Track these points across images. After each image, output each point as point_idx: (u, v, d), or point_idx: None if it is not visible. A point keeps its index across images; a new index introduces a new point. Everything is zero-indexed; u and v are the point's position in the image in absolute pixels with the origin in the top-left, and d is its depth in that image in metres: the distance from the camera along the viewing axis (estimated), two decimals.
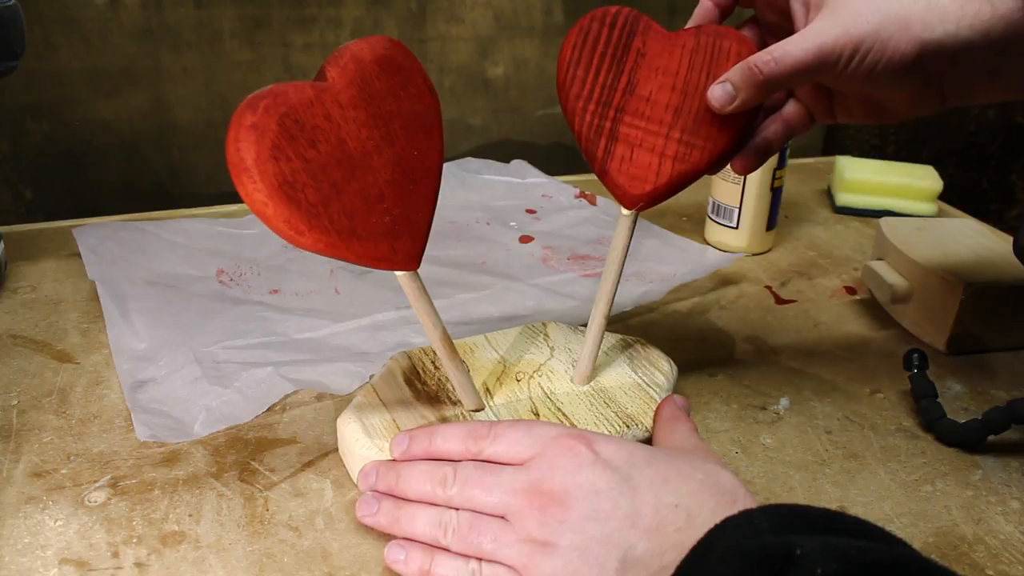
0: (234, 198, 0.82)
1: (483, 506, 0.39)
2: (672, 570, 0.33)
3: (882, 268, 0.66)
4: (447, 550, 0.40)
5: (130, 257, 0.70)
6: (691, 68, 0.47)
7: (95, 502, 0.46)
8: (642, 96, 0.47)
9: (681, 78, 0.47)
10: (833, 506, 0.47)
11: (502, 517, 0.39)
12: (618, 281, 0.50)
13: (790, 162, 0.80)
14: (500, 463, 0.41)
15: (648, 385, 0.52)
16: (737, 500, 0.36)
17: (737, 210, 0.76)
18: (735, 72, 0.44)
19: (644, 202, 0.47)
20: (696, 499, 0.36)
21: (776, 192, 0.76)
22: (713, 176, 0.76)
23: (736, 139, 0.48)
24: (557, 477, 0.38)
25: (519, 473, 0.39)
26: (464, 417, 0.49)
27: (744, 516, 0.33)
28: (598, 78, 0.46)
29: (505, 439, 0.41)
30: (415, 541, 0.41)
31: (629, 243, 0.49)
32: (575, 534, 0.36)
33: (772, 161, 0.73)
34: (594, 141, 0.46)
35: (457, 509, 0.40)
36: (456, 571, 0.39)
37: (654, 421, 0.47)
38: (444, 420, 0.49)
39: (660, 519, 0.35)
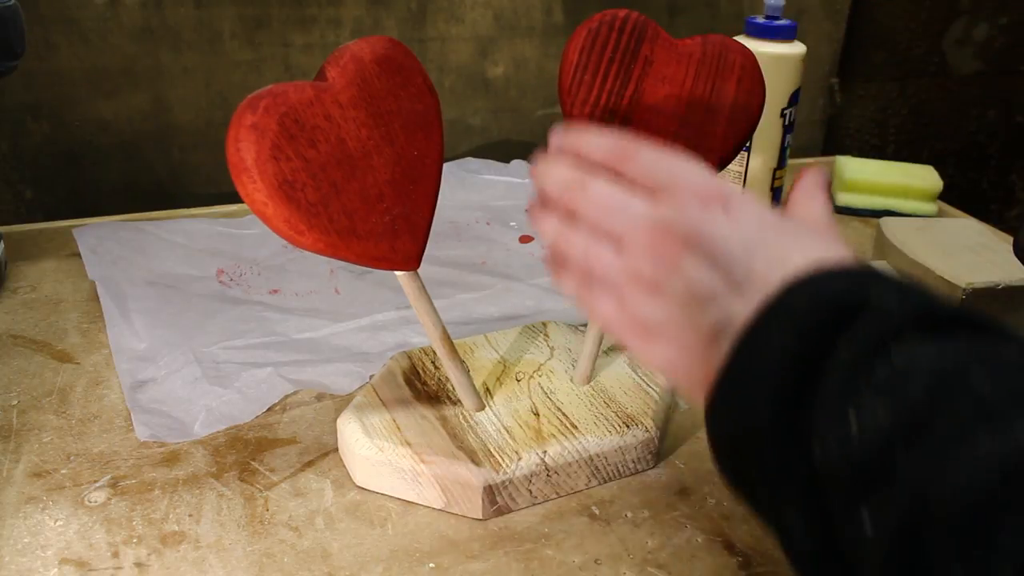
0: (234, 198, 0.82)
1: (605, 228, 0.38)
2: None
3: (882, 268, 0.66)
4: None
5: (130, 257, 0.70)
6: (696, 79, 0.46)
7: (95, 502, 0.46)
8: (648, 105, 0.46)
9: (687, 89, 0.46)
10: None
11: (619, 241, 0.38)
12: None
13: (790, 162, 0.80)
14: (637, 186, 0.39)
15: (648, 385, 0.52)
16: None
17: None
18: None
19: None
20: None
21: (776, 192, 0.76)
22: None
23: (735, 151, 0.48)
24: (684, 224, 0.36)
25: (651, 207, 0.37)
26: (464, 417, 0.49)
27: (819, 269, 0.32)
28: (605, 84, 0.45)
29: (646, 165, 0.38)
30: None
31: None
32: (684, 283, 0.35)
33: (772, 161, 0.74)
34: None
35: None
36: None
37: (793, 188, 0.44)
38: (444, 420, 0.49)
39: (763, 290, 0.33)
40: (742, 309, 0.34)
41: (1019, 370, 0.25)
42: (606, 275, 0.38)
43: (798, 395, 0.29)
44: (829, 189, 0.44)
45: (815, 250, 0.35)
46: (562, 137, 0.41)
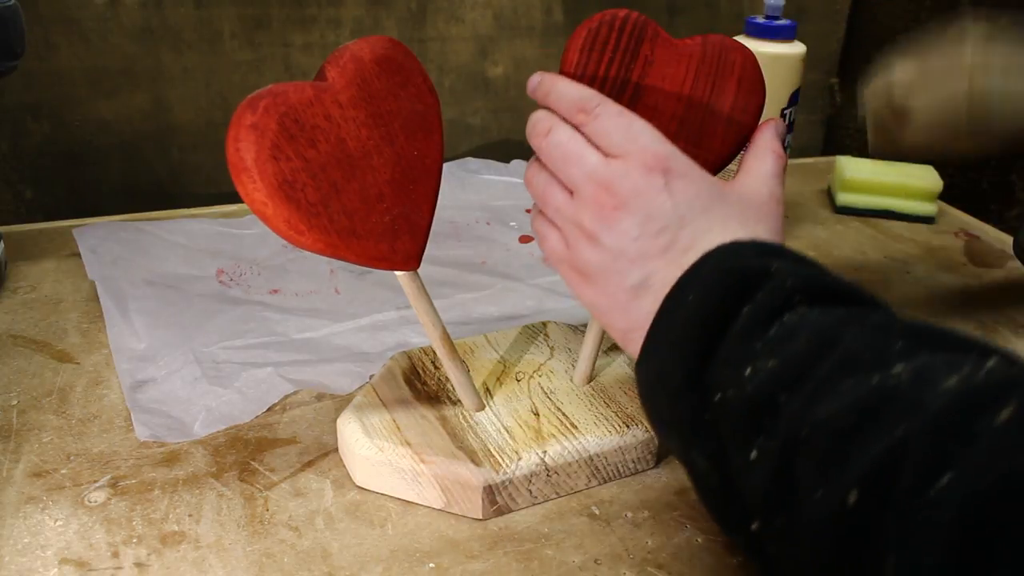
0: (234, 198, 0.82)
1: (560, 174, 0.41)
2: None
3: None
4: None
5: (130, 257, 0.70)
6: (696, 79, 0.46)
7: (95, 502, 0.46)
8: (648, 105, 0.46)
9: (687, 89, 0.46)
10: None
11: (571, 192, 0.41)
12: None
13: (790, 162, 0.80)
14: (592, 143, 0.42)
15: None
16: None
17: None
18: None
19: None
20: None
21: None
22: None
23: (735, 151, 0.47)
24: (626, 187, 0.39)
25: (600, 164, 0.40)
26: (464, 417, 0.49)
27: (732, 244, 0.36)
28: (605, 84, 0.45)
29: (602, 126, 0.41)
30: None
31: None
32: (617, 240, 0.39)
33: None
34: None
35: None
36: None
37: (750, 142, 0.46)
38: (444, 420, 0.49)
39: (686, 261, 0.37)
40: (663, 273, 0.38)
41: (883, 333, 0.30)
42: (555, 215, 0.42)
43: (705, 354, 0.34)
44: (783, 144, 0.46)
45: (738, 227, 0.39)
46: (538, 82, 0.44)
